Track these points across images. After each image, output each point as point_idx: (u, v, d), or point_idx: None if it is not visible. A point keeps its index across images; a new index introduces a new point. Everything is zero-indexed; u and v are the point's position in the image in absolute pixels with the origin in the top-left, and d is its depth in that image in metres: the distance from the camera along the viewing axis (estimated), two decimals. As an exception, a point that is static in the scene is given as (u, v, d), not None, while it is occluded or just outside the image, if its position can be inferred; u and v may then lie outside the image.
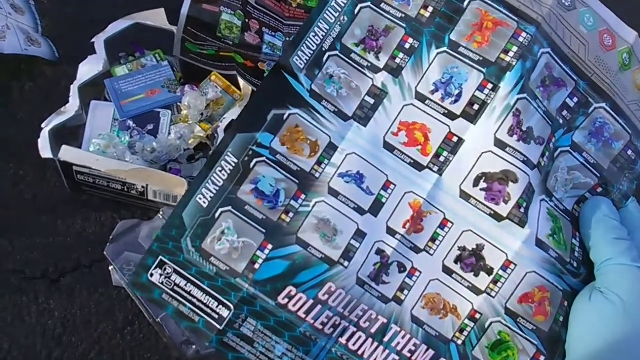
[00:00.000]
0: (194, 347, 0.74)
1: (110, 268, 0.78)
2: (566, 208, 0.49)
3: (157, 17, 0.92)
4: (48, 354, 0.73)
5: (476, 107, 0.46)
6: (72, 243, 0.81)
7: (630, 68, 0.50)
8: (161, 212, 0.82)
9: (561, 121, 0.48)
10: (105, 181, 0.80)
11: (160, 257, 0.45)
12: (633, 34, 0.49)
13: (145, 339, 0.77)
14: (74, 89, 0.84)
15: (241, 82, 0.91)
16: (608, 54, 0.49)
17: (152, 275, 0.45)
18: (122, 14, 0.92)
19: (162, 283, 0.45)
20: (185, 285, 0.45)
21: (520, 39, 0.45)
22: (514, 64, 0.45)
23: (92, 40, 0.89)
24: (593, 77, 0.49)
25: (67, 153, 0.77)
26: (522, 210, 0.46)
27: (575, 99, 0.48)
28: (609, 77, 0.49)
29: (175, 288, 0.45)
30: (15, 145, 0.86)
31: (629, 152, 0.50)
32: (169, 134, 0.85)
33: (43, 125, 0.79)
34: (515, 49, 0.45)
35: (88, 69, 0.86)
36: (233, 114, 0.88)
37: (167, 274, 0.45)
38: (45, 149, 0.77)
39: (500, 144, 0.46)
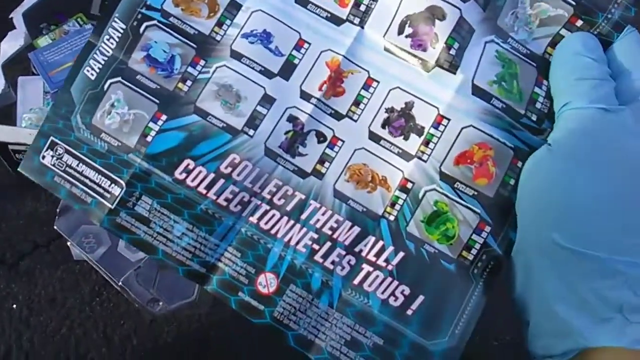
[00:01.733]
0: (160, 303, 0.72)
1: (68, 243, 0.76)
2: (532, 52, 0.40)
3: (73, -19, 0.88)
4: (18, 337, 0.72)
5: None
6: (25, 225, 0.79)
7: None
8: (108, 177, 0.79)
9: None
10: (45, 156, 0.77)
11: (51, 137, 0.41)
12: None
13: (115, 307, 0.76)
14: (-3, 68, 0.80)
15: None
16: None
17: (43, 157, 0.41)
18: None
19: (54, 165, 0.41)
20: (77, 165, 0.41)
21: None
22: None
23: (10, 16, 0.85)
24: None
25: (-2, 132, 0.74)
26: (453, 51, 0.39)
27: None
28: None
29: (67, 169, 0.41)
30: (-50, 137, 0.83)
31: None
32: (104, 97, 0.82)
33: (-30, 110, 0.76)
34: None
35: (9, 46, 0.82)
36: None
37: (59, 154, 0.41)
38: (-25, 133, 0.74)
39: None
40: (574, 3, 0.40)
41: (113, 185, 0.41)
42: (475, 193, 0.40)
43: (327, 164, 0.41)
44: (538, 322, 0.37)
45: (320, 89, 0.41)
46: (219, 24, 0.41)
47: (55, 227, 0.74)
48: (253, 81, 0.41)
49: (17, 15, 0.85)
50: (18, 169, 0.42)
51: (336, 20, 0.41)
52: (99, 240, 0.76)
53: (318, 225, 0.40)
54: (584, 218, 0.34)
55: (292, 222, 0.40)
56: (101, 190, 0.41)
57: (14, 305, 0.74)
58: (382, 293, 0.39)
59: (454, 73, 0.39)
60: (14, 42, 0.82)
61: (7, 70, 0.81)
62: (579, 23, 0.40)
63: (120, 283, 0.72)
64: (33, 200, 0.81)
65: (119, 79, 0.41)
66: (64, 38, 0.85)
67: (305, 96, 0.41)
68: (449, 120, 0.40)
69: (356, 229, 0.40)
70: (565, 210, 0.35)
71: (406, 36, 0.40)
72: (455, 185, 0.40)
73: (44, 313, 0.74)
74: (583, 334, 0.34)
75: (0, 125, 0.75)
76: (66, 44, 0.85)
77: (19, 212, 0.80)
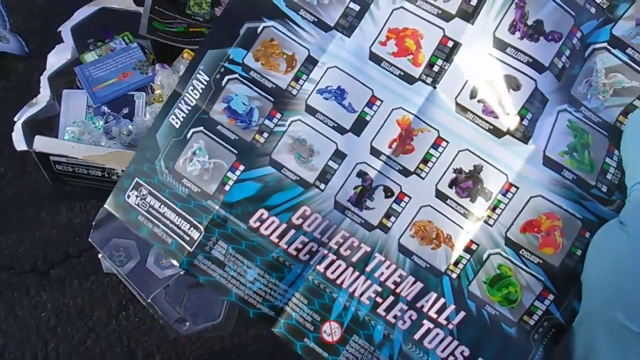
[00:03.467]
0: (187, 324, 0.73)
1: (99, 256, 0.77)
2: (603, 120, 0.40)
3: (123, 0, 0.90)
4: (44, 346, 0.73)
5: (474, 2, 0.40)
6: (58, 234, 0.81)
7: None
8: (144, 194, 0.81)
9: (593, 10, 0.39)
10: (84, 169, 0.79)
11: (136, 178, 0.44)
12: None
13: (140, 323, 0.77)
14: (43, 80, 0.82)
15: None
16: None
17: (128, 196, 0.44)
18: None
19: (137, 205, 0.44)
20: (160, 207, 0.43)
21: None
22: None
23: (59, 30, 0.88)
24: None
25: (42, 143, 0.76)
26: (526, 122, 0.39)
27: None
28: None
29: (150, 210, 0.44)
30: (-7, 143, 0.86)
31: None
32: (145, 115, 0.84)
33: (15, 119, 0.78)
34: None
35: (56, 59, 0.85)
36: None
37: (143, 195, 0.44)
38: (19, 142, 0.76)
39: (499, 45, 0.39)
40: None
41: (192, 229, 0.43)
42: (541, 261, 0.40)
43: (393, 219, 0.42)
44: None
45: (390, 146, 0.43)
46: (296, 78, 0.44)
47: (89, 240, 0.76)
48: (326, 136, 0.43)
49: (65, 29, 0.88)
50: (105, 205, 0.45)
51: (409, 79, 0.43)
52: (128, 255, 0.77)
53: (382, 279, 0.42)
54: None
55: (357, 273, 0.42)
56: (181, 233, 0.43)
57: (43, 314, 0.75)
58: (442, 352, 0.40)
59: (526, 143, 0.40)
60: (61, 55, 0.85)
61: (53, 83, 0.83)
62: None
63: (149, 300, 0.73)
64: (68, 211, 0.82)
65: (201, 128, 0.44)
66: (110, 55, 0.88)
67: (375, 152, 0.43)
68: (517, 188, 0.41)
69: (419, 285, 0.41)
70: (637, 294, 0.35)
71: (478, 101, 0.41)
72: (520, 252, 0.40)
73: (71, 323, 0.75)
74: None
75: (44, 136, 0.77)
76: (112, 61, 0.87)
77: (53, 222, 0.81)
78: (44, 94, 0.81)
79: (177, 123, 0.44)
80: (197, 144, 0.44)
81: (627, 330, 0.34)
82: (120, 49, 0.89)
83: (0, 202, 0.82)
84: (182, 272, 0.74)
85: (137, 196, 0.44)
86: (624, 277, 0.35)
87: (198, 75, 0.44)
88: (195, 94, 0.43)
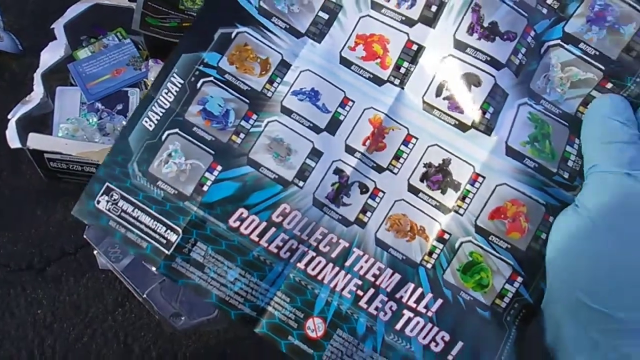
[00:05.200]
0: (182, 318, 0.73)
1: (95, 252, 0.77)
2: (564, 111, 0.43)
3: (115, -4, 0.90)
4: (40, 343, 0.73)
5: (434, 8, 0.43)
6: (54, 232, 0.81)
7: None
8: (138, 190, 0.81)
9: (544, 11, 0.43)
10: (78, 165, 0.79)
11: (107, 183, 0.43)
12: None
13: (137, 318, 0.77)
14: (37, 77, 0.82)
15: (207, 51, 0.89)
16: None
17: (98, 202, 0.43)
18: None
19: (109, 210, 0.43)
20: (133, 210, 0.43)
21: None
22: None
23: (52, 27, 0.87)
24: None
25: (36, 140, 0.76)
26: (488, 115, 0.42)
27: None
28: None
29: (123, 214, 0.42)
30: (-13, 141, 0.86)
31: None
32: (139, 111, 0.84)
33: (9, 117, 0.78)
34: None
35: (50, 56, 0.85)
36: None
37: (114, 200, 0.43)
38: (13, 140, 0.76)
39: (459, 46, 0.43)
40: (603, 67, 0.43)
41: (169, 231, 0.42)
42: (509, 246, 0.42)
43: (369, 214, 0.43)
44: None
45: (364, 144, 0.44)
46: (270, 81, 0.44)
47: (84, 237, 0.76)
48: (302, 136, 0.44)
49: (58, 26, 0.88)
50: (72, 213, 0.43)
51: (378, 81, 0.44)
52: (124, 251, 0.78)
53: (361, 272, 0.42)
54: (612, 285, 0.36)
55: (337, 268, 0.42)
56: (157, 236, 0.42)
57: (39, 311, 0.75)
58: (424, 339, 0.41)
59: (489, 135, 0.42)
60: (54, 52, 0.85)
61: (46, 80, 0.83)
62: (609, 85, 0.43)
63: (144, 295, 0.73)
64: (63, 208, 0.82)
65: (177, 130, 0.43)
66: (103, 51, 0.88)
67: (349, 150, 0.44)
68: (484, 178, 0.42)
69: (397, 276, 0.42)
70: (594, 275, 0.37)
71: (444, 98, 0.43)
72: (490, 238, 0.42)
73: (68, 320, 0.75)
74: None
75: (38, 133, 0.77)
76: (105, 57, 0.87)
77: (49, 219, 0.81)
78: (38, 91, 0.81)
79: (150, 126, 0.43)
80: (172, 145, 0.43)
81: (587, 307, 0.36)
82: (113, 45, 0.89)
83: (-5, 200, 0.82)
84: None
85: (107, 201, 0.42)
86: (578, 257, 0.37)
87: (172, 79, 0.43)
88: (170, 97, 0.43)
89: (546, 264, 0.40)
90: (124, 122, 0.81)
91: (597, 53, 0.43)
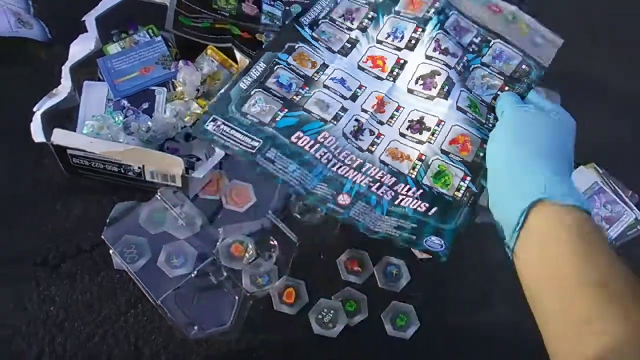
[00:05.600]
0: (195, 328, 0.72)
1: (111, 251, 0.77)
2: (484, 100, 0.74)
3: (149, -8, 0.89)
4: (51, 340, 0.73)
5: (413, 42, 0.76)
6: (72, 228, 0.80)
7: (516, 23, 0.79)
8: (159, 193, 0.80)
9: (471, 49, 0.77)
10: (101, 163, 0.78)
11: (213, 115, 0.68)
12: (512, 5, 0.80)
13: (148, 321, 0.76)
14: (65, 70, 0.82)
15: (238, 54, 0.88)
16: (497, 15, 0.79)
17: (207, 126, 0.67)
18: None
19: (214, 130, 0.67)
20: (229, 130, 0.67)
21: (436, 5, 0.77)
22: (433, 17, 0.77)
23: (83, 19, 0.87)
24: (489, 26, 0.78)
25: (60, 136, 0.75)
26: (445, 90, 0.73)
27: (479, 38, 0.78)
28: (500, 27, 0.79)
29: (223, 132, 0.66)
30: (11, 131, 0.85)
31: (523, 66, 0.77)
32: (165, 112, 0.83)
33: (35, 109, 0.77)
34: (433, 9, 0.77)
35: (79, 49, 0.84)
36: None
37: (218, 125, 0.67)
38: (37, 133, 0.75)
39: (428, 57, 0.75)
40: (503, 78, 0.76)
41: (253, 141, 0.66)
42: (461, 159, 0.69)
43: (375, 147, 0.70)
44: (500, 210, 0.62)
45: (372, 108, 0.73)
46: (317, 72, 0.75)
47: (102, 237, 0.75)
48: (335, 99, 0.73)
49: (89, 19, 0.87)
50: (189, 130, 0.79)
51: (380, 78, 0.76)
52: (140, 252, 0.77)
53: (371, 174, 0.68)
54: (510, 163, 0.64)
55: (355, 172, 0.68)
56: (245, 144, 0.66)
57: (52, 308, 0.75)
58: (413, 206, 0.66)
59: (447, 99, 0.72)
60: (84, 45, 0.84)
61: (74, 73, 0.82)
62: (507, 88, 0.75)
63: (159, 302, 0.72)
64: (82, 205, 0.82)
65: (261, 89, 0.71)
66: (133, 48, 0.87)
67: (363, 110, 0.73)
68: (444, 122, 0.71)
69: (393, 179, 0.68)
70: (505, 159, 0.64)
71: (419, 84, 0.74)
72: (450, 156, 0.69)
73: (80, 319, 0.75)
74: (527, 195, 0.58)
75: (62, 129, 0.76)
76: (135, 54, 0.86)
77: (68, 215, 0.81)
78: (65, 85, 0.80)
79: (244, 85, 0.71)
80: (257, 96, 0.70)
81: (501, 175, 0.64)
82: (144, 42, 0.88)
83: (16, 191, 0.82)
84: (193, 275, 0.74)
85: (213, 126, 0.67)
86: (497, 153, 0.66)
87: (259, 63, 0.73)
88: (257, 72, 0.72)
89: (486, 164, 0.67)
90: (150, 123, 0.80)
91: (499, 71, 0.76)
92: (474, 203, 0.66)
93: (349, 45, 0.75)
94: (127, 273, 0.76)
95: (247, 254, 0.78)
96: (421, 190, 0.66)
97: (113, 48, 0.87)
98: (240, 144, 0.65)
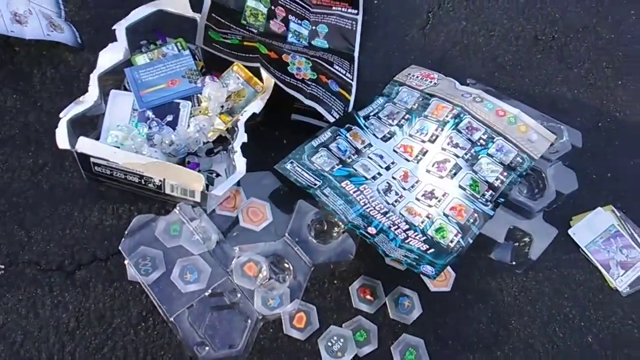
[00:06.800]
0: (207, 348, 0.72)
1: (125, 262, 0.77)
2: (487, 180, 0.92)
3: (180, 4, 0.89)
4: (61, 348, 0.73)
5: (434, 137, 0.97)
6: (88, 235, 0.80)
7: (516, 124, 0.97)
8: (178, 208, 0.80)
9: (478, 144, 0.96)
10: (122, 173, 0.78)
11: (292, 159, 0.90)
12: (515, 109, 0.98)
13: (158, 336, 0.76)
14: (93, 78, 0.82)
15: (264, 73, 0.88)
16: (501, 118, 0.97)
17: (287, 165, 0.88)
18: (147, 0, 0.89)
19: (291, 169, 0.88)
20: (301, 171, 0.88)
21: (454, 111, 0.98)
22: (450, 120, 0.97)
23: (113, 28, 0.87)
24: (495, 128, 0.97)
25: (84, 144, 0.75)
26: (452, 172, 0.93)
27: (486, 135, 0.96)
28: (502, 127, 0.97)
29: (296, 172, 0.88)
30: (35, 133, 0.85)
31: (518, 159, 0.94)
32: (188, 126, 0.83)
33: (61, 115, 0.78)
34: (450, 115, 0.98)
35: (108, 57, 0.84)
36: (254, 106, 0.86)
37: (294, 167, 0.89)
38: (62, 140, 0.76)
39: (443, 149, 0.95)
40: (503, 166, 0.93)
41: (316, 181, 0.88)
42: (457, 222, 0.88)
43: (397, 203, 0.91)
44: None
45: (399, 177, 0.94)
46: (364, 147, 0.97)
47: (119, 248, 0.75)
48: (375, 169, 0.94)
49: (120, 28, 0.87)
50: (275, 167, 0.89)
51: (407, 160, 0.97)
52: (154, 265, 0.77)
53: (392, 220, 0.88)
54: None
55: (382, 216, 0.87)
56: (310, 182, 0.87)
57: (64, 315, 0.75)
58: (417, 245, 0.84)
59: (452, 179, 0.92)
60: (113, 54, 0.84)
61: (101, 81, 0.82)
62: (505, 173, 0.93)
63: (171, 319, 0.72)
64: (100, 213, 0.82)
65: (325, 149, 0.93)
66: (161, 60, 0.87)
67: (393, 178, 0.94)
68: (448, 194, 0.91)
69: (407, 226, 0.88)
70: None
71: (434, 167, 0.94)
72: (449, 218, 0.89)
73: (91, 328, 0.75)
74: None
75: (86, 136, 0.76)
76: (162, 66, 0.86)
77: (85, 222, 0.81)
78: (92, 93, 0.81)
79: (315, 144, 0.93)
80: (323, 152, 0.92)
81: None
82: (172, 54, 0.88)
83: (35, 195, 0.82)
84: (206, 294, 0.74)
85: (291, 166, 0.89)
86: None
87: (326, 132, 0.95)
88: (324, 138, 0.95)
89: None
90: (173, 136, 0.80)
91: (500, 161, 0.94)
92: (461, 253, 0.85)
93: (389, 135, 0.99)
94: (140, 285, 0.76)
95: (260, 274, 0.78)
96: (425, 237, 0.87)
97: (141, 59, 0.87)
98: (307, 181, 0.87)
